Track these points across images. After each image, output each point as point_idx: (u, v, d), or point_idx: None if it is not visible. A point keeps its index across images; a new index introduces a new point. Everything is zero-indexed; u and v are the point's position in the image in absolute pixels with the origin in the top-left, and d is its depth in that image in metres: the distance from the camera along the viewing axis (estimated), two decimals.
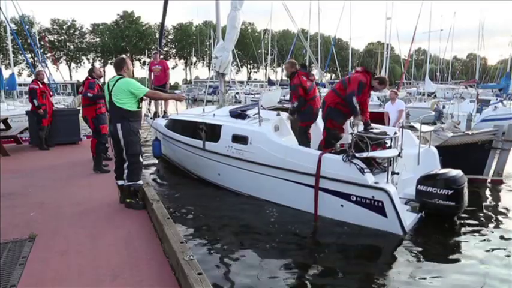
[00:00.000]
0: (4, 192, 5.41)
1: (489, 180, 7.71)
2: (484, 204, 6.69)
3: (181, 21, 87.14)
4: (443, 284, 3.92)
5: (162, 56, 11.45)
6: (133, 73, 5.05)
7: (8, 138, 9.75)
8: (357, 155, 5.23)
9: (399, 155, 5.65)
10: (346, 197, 5.31)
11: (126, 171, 4.80)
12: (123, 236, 3.97)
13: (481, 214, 6.02)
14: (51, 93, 10.11)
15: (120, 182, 4.91)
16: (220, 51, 8.85)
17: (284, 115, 6.97)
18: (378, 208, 5.03)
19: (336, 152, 5.80)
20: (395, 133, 5.79)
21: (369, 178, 5.09)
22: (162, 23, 11.85)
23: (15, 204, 4.95)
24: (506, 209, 6.33)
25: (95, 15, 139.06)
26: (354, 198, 5.24)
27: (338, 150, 5.88)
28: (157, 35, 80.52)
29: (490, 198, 7.08)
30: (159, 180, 8.26)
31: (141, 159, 4.94)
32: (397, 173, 5.55)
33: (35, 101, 8.90)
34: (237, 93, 33.34)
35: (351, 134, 5.57)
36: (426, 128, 7.35)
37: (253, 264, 4.36)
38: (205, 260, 4.33)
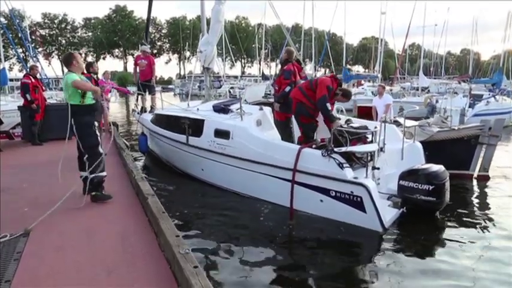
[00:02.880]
0: None
1: (475, 175, 7.71)
2: (468, 200, 6.71)
3: (174, 15, 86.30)
4: (422, 280, 3.93)
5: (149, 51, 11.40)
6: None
7: (0, 133, 9.64)
8: (336, 149, 5.21)
9: (381, 149, 5.64)
10: (325, 192, 5.31)
11: (87, 163, 4.80)
12: (118, 231, 3.96)
13: (465, 210, 6.02)
14: (43, 88, 10.01)
15: (82, 174, 4.91)
16: (205, 45, 8.77)
17: (267, 110, 6.93)
18: (357, 203, 5.02)
19: (317, 146, 5.77)
20: (375, 127, 5.78)
21: (348, 173, 5.08)
22: (148, 18, 11.85)
23: (9, 199, 4.91)
24: (490, 205, 6.34)
25: (87, 9, 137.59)
26: (333, 194, 5.23)
27: (319, 144, 5.84)
28: (150, 29, 79.92)
29: (475, 194, 7.09)
30: (146, 176, 8.24)
31: (100, 151, 4.85)
32: (378, 168, 5.52)
33: (27, 95, 8.80)
34: (232, 88, 33.30)
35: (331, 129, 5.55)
36: (410, 122, 7.39)
37: (247, 257, 4.43)
38: (199, 253, 4.38)
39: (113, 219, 4.33)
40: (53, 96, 17.20)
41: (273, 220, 5.54)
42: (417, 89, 27.14)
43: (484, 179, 7.61)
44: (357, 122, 6.26)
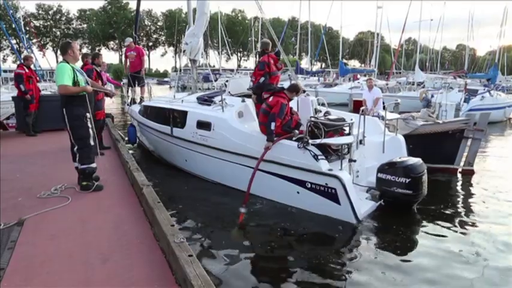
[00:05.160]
0: None
1: (460, 170, 7.64)
2: (450, 194, 6.67)
3: (170, 7, 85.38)
4: (392, 273, 3.92)
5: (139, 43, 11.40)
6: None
7: None
8: (311, 141, 5.22)
9: (361, 142, 5.61)
10: (302, 183, 5.35)
11: (77, 155, 4.82)
12: (113, 220, 3.97)
13: (445, 204, 5.96)
14: (37, 79, 9.92)
15: (75, 165, 4.94)
16: (191, 37, 8.74)
17: (249, 101, 6.90)
18: (331, 195, 5.06)
19: (296, 139, 5.71)
20: (351, 120, 5.77)
21: (323, 165, 5.09)
22: (137, 9, 11.83)
23: (3, 189, 4.89)
24: (471, 199, 6.31)
25: (82, 0, 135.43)
26: (309, 185, 5.26)
27: (297, 136, 5.78)
28: (146, 22, 79.30)
29: (457, 188, 7.03)
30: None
31: (91, 142, 4.84)
32: (354, 161, 5.52)
33: (21, 86, 8.73)
34: (227, 81, 33.18)
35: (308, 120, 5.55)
36: (392, 115, 7.32)
37: (238, 246, 4.49)
38: (194, 242, 4.44)
39: (108, 209, 4.33)
40: (47, 88, 17.05)
41: (260, 211, 5.56)
42: (413, 84, 27.17)
43: (468, 174, 7.53)
44: (335, 114, 6.26)
